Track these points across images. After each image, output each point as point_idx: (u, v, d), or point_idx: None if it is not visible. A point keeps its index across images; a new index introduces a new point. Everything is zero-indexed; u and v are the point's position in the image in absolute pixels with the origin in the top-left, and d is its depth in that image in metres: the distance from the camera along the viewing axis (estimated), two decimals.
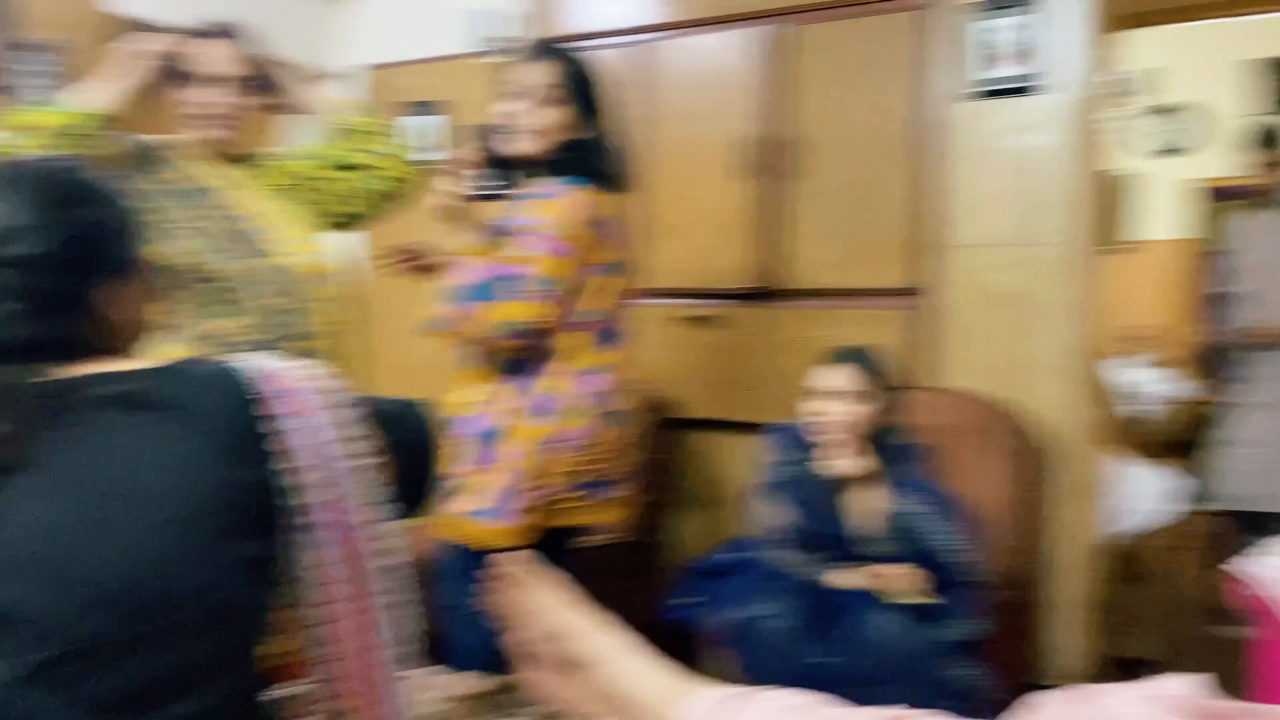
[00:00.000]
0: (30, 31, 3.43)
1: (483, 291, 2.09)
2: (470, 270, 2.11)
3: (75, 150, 1.92)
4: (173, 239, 2.00)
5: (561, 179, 2.16)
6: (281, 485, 1.08)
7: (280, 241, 2.10)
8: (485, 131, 2.28)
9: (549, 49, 2.24)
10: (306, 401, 1.11)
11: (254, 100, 2.13)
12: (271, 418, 1.09)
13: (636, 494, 2.44)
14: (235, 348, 1.95)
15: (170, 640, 1.01)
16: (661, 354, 3.40)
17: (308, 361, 1.16)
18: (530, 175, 2.23)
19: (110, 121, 1.99)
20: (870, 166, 3.15)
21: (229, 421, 1.07)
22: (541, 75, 2.17)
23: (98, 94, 1.99)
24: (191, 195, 2.07)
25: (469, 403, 2.20)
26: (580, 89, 2.21)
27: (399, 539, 1.20)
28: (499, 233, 2.19)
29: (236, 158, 2.15)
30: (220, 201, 2.09)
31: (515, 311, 2.08)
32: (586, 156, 2.20)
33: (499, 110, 2.21)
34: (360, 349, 2.23)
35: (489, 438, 2.17)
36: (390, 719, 1.21)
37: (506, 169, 2.28)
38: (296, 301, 2.07)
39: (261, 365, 1.12)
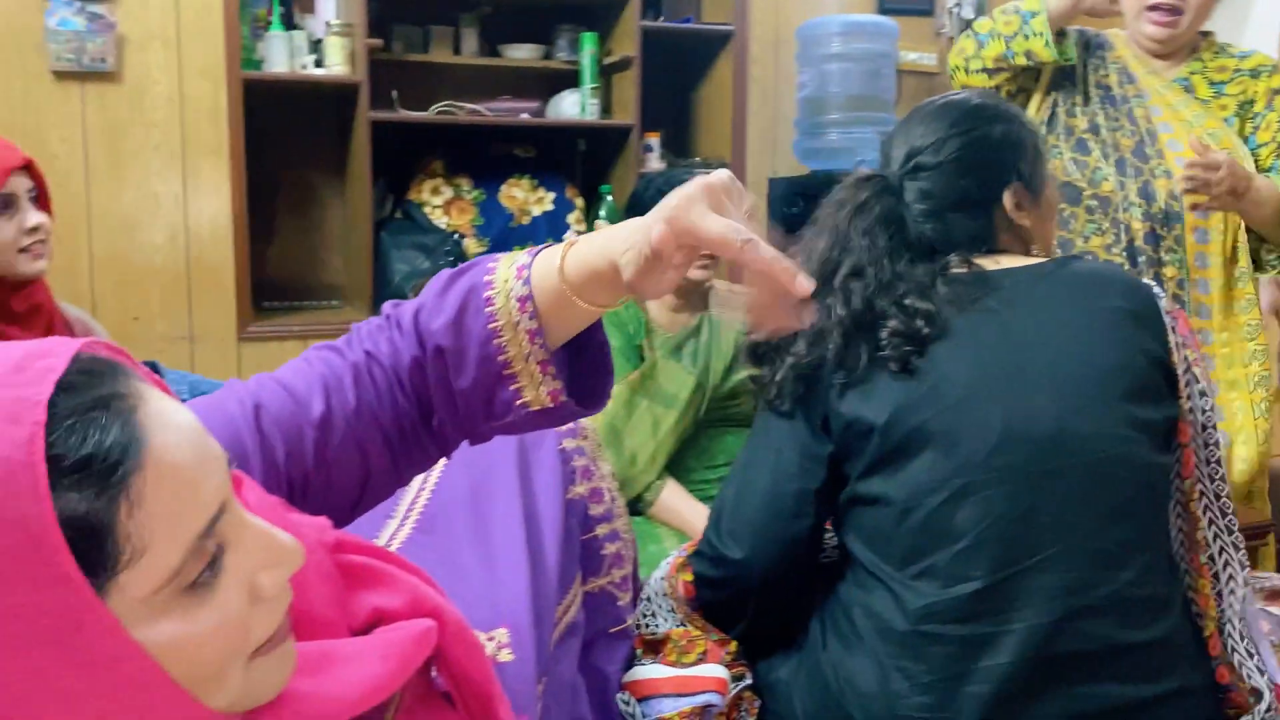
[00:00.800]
0: None
1: None
2: None
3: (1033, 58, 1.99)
4: (1078, 152, 1.99)
5: None
6: (1174, 370, 1.19)
7: (1178, 162, 1.91)
8: None
9: None
10: (1186, 322, 1.23)
11: None
12: (1160, 313, 1.20)
13: None
14: None
15: (1069, 480, 1.12)
16: None
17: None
18: None
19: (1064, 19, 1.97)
20: None
21: (1126, 303, 1.19)
22: None
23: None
24: (1113, 103, 2.00)
25: None
26: None
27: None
28: None
29: (1178, 54, 2.00)
30: (1136, 111, 1.98)
31: None
32: None
33: None
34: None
35: None
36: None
37: None
38: (1174, 230, 1.92)
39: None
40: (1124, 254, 1.92)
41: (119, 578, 0.48)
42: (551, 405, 0.79)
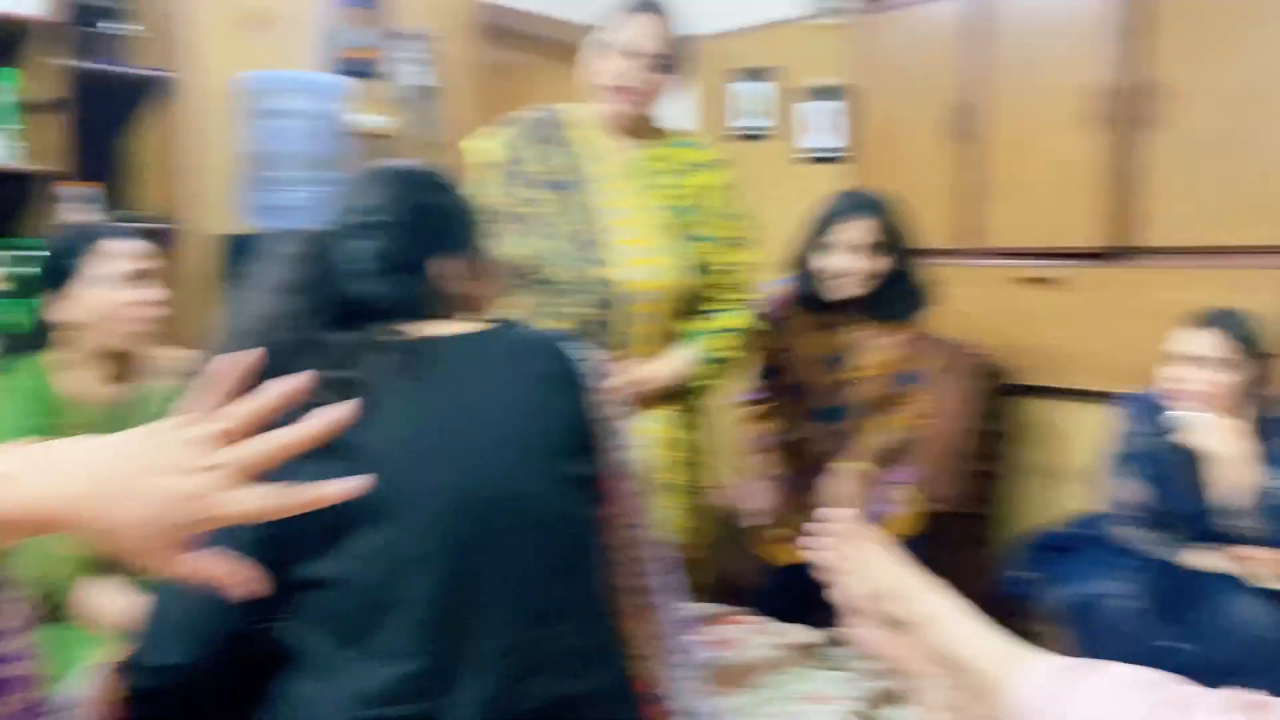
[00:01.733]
0: (404, 21, 3.78)
1: None
2: None
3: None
4: (526, 236, 2.03)
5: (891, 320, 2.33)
6: (594, 426, 1.27)
7: (623, 250, 2.01)
8: (804, 276, 2.35)
9: (870, 205, 2.31)
10: (604, 377, 1.31)
11: (664, 78, 2.06)
12: (584, 375, 1.28)
13: (964, 464, 2.40)
14: None
15: (514, 542, 1.15)
16: (996, 317, 3.26)
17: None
18: (854, 316, 2.34)
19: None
20: (1244, 115, 2.84)
21: (556, 366, 1.26)
22: (867, 231, 2.27)
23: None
24: (564, 187, 2.06)
25: None
26: (899, 236, 2.30)
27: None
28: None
29: (637, 133, 2.10)
30: (587, 197, 2.05)
31: None
32: (909, 296, 2.33)
33: (829, 263, 2.28)
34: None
35: None
36: (671, 650, 1.34)
37: (821, 310, 2.36)
38: (615, 316, 2.02)
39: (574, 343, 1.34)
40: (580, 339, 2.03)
41: None
42: None
